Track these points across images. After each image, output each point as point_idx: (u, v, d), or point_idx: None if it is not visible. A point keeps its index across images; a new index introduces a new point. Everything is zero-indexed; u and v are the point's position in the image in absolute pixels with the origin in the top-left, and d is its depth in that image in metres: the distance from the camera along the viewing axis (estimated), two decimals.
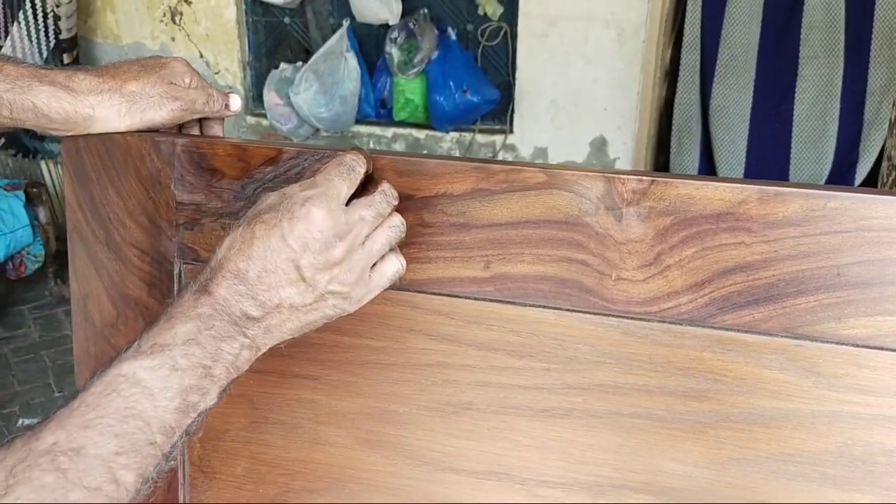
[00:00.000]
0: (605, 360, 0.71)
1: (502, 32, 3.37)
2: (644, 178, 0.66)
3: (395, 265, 0.69)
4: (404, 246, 0.72)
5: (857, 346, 0.65)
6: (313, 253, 0.63)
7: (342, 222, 0.64)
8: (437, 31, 3.38)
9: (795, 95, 2.96)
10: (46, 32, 3.47)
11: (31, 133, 0.79)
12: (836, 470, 0.67)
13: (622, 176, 0.67)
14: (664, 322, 0.68)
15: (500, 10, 3.33)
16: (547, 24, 3.23)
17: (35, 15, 3.43)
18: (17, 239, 3.27)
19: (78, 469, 0.53)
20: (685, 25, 3.06)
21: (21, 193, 3.34)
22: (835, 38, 2.95)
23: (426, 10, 3.39)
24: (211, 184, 0.76)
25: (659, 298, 0.68)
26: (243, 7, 3.63)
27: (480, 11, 3.36)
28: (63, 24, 3.49)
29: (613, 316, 0.70)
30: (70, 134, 0.77)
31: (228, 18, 3.63)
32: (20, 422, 2.86)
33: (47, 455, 0.52)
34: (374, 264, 0.68)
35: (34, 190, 3.44)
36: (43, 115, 0.73)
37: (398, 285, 0.72)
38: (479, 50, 3.39)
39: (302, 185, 0.66)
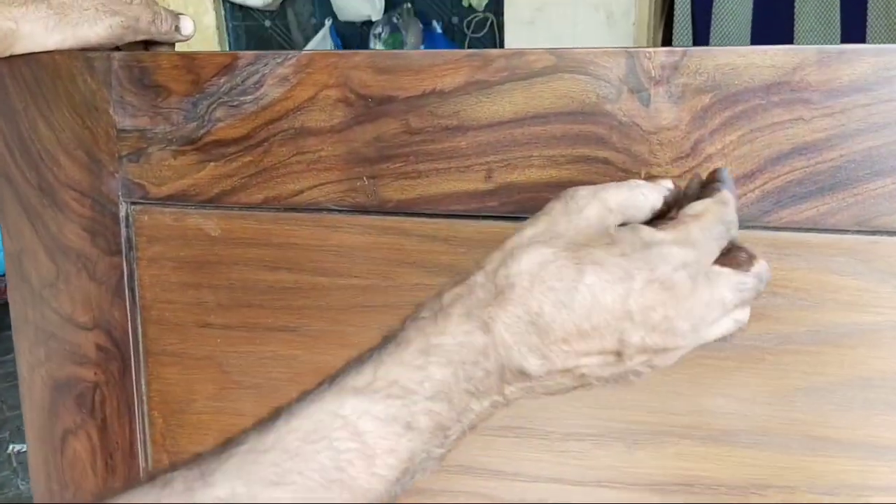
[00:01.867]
0: None
1: (489, 23, 3.28)
2: (675, 49, 0.55)
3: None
4: (389, 159, 0.60)
5: None
6: (654, 332, 0.44)
7: (702, 302, 0.44)
8: (421, 25, 3.29)
9: None
10: None
11: None
12: None
13: (648, 50, 0.55)
14: None
15: (484, 0, 3.24)
16: (534, 10, 3.13)
17: None
18: None
19: None
20: (675, 3, 2.97)
21: None
22: (831, 10, 2.86)
23: (410, 4, 3.30)
24: (156, 104, 0.64)
25: None
26: (222, 12, 3.53)
27: (465, 3, 3.27)
28: None
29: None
30: None
31: (208, 24, 3.53)
32: (11, 447, 2.77)
33: None
34: None
35: None
36: None
37: (383, 210, 0.60)
38: (466, 42, 3.29)
39: (669, 231, 0.46)
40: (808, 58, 0.53)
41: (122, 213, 0.67)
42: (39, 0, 0.64)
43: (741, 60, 0.54)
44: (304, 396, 0.43)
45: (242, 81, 0.62)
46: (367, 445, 0.41)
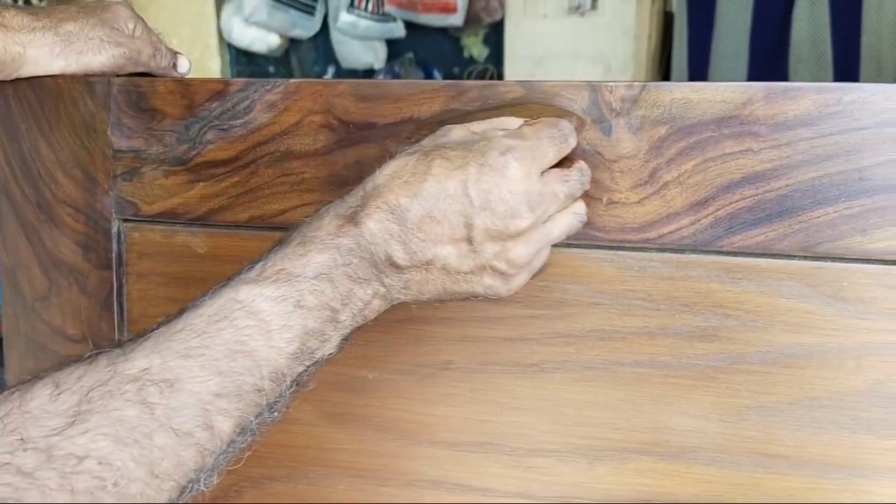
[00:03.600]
0: (599, 301, 0.62)
1: (489, 74, 3.34)
2: (635, 83, 0.59)
3: (547, 253, 0.57)
4: None
5: (887, 262, 0.56)
6: (494, 215, 0.51)
7: (536, 191, 0.53)
8: (422, 75, 3.36)
9: None
10: None
11: None
12: (870, 413, 0.58)
13: (609, 83, 0.59)
14: (664, 250, 0.60)
15: (485, 51, 3.31)
16: (533, 63, 3.20)
17: None
18: None
19: (169, 406, 0.43)
20: (672, 61, 3.04)
21: None
22: (823, 70, 2.92)
23: (411, 55, 3.37)
24: (151, 126, 0.68)
25: (657, 222, 0.59)
26: (227, 58, 3.60)
27: (466, 54, 3.34)
28: None
29: (606, 248, 0.61)
30: None
31: (213, 70, 3.60)
32: None
33: (135, 383, 0.43)
34: None
35: None
36: None
37: None
38: None
39: (506, 130, 0.55)
40: (757, 94, 0.56)
41: (114, 230, 0.70)
42: (47, 28, 0.69)
43: (695, 95, 0.58)
44: (204, 294, 0.49)
45: (233, 106, 0.66)
46: (263, 322, 0.47)
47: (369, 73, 3.37)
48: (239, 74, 3.64)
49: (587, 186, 0.58)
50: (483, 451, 0.66)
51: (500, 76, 3.28)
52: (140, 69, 0.74)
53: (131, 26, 0.73)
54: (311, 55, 3.55)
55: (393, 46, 3.33)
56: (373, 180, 0.53)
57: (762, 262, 0.58)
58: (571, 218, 0.57)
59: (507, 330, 0.64)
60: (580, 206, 0.57)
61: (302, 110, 0.65)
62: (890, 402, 0.57)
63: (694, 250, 0.59)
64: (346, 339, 0.52)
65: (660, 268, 0.60)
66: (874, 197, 0.55)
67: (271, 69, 3.61)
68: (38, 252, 0.72)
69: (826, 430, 0.59)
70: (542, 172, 0.54)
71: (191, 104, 0.67)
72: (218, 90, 0.66)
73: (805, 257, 0.57)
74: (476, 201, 0.51)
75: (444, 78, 3.37)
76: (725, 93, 0.57)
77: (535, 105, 0.60)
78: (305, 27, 3.17)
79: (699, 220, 0.59)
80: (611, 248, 0.61)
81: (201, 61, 3.64)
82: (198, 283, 0.70)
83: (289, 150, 0.66)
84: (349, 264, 0.51)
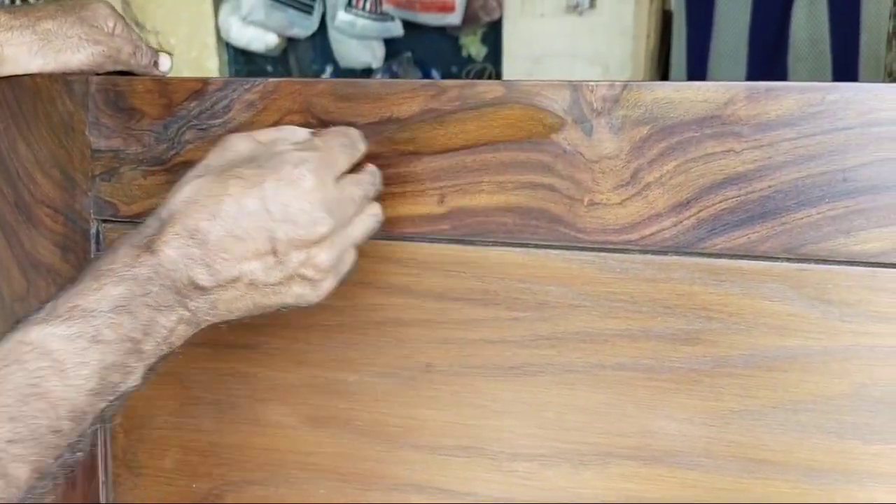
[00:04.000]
0: (581, 303, 0.61)
1: (487, 73, 3.33)
2: (616, 83, 0.58)
3: (353, 256, 0.59)
4: None
5: (871, 264, 0.55)
6: (296, 225, 0.53)
7: (334, 197, 0.54)
8: (420, 74, 3.35)
9: None
10: None
11: None
12: (855, 417, 0.57)
13: (590, 83, 0.58)
14: (646, 252, 0.59)
15: (483, 51, 3.30)
16: (531, 62, 3.19)
17: None
18: None
19: None
20: (671, 60, 3.03)
21: None
22: (822, 69, 2.91)
23: (409, 54, 3.36)
24: (130, 126, 0.67)
25: (639, 224, 0.59)
26: (225, 57, 3.60)
27: (464, 53, 3.33)
28: None
29: (588, 249, 0.60)
30: None
31: (210, 69, 3.59)
32: None
33: None
34: None
35: None
36: None
37: None
38: None
39: (297, 143, 0.56)
40: (739, 93, 0.56)
41: (93, 230, 0.70)
42: (24, 26, 0.68)
43: (676, 95, 0.57)
44: None
45: (212, 106, 0.65)
46: (57, 361, 0.46)
47: (367, 72, 3.36)
48: (237, 74, 3.63)
49: (380, 188, 0.59)
50: (466, 456, 0.65)
51: (498, 75, 3.27)
52: (120, 67, 0.73)
53: (111, 24, 0.73)
54: (309, 54, 3.54)
55: (391, 46, 3.32)
56: (167, 207, 0.53)
57: (745, 263, 0.57)
58: (369, 219, 0.58)
59: (489, 332, 0.63)
60: (375, 208, 0.59)
61: (281, 110, 0.64)
62: (875, 406, 0.56)
63: (676, 252, 0.58)
64: (151, 369, 0.52)
65: (642, 269, 0.59)
66: (858, 198, 0.54)
67: (269, 68, 3.60)
68: (16, 253, 0.72)
69: (811, 434, 0.58)
70: (337, 179, 0.55)
71: (169, 103, 0.66)
72: (196, 89, 0.66)
73: (789, 259, 0.56)
74: (277, 215, 0.52)
75: (443, 77, 3.36)
76: (707, 92, 0.56)
77: (515, 105, 0.59)
78: (303, 26, 3.16)
79: (681, 222, 0.58)
80: (593, 249, 0.60)
81: (199, 61, 3.63)
82: None
83: None
84: (148, 293, 0.50)
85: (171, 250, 0.51)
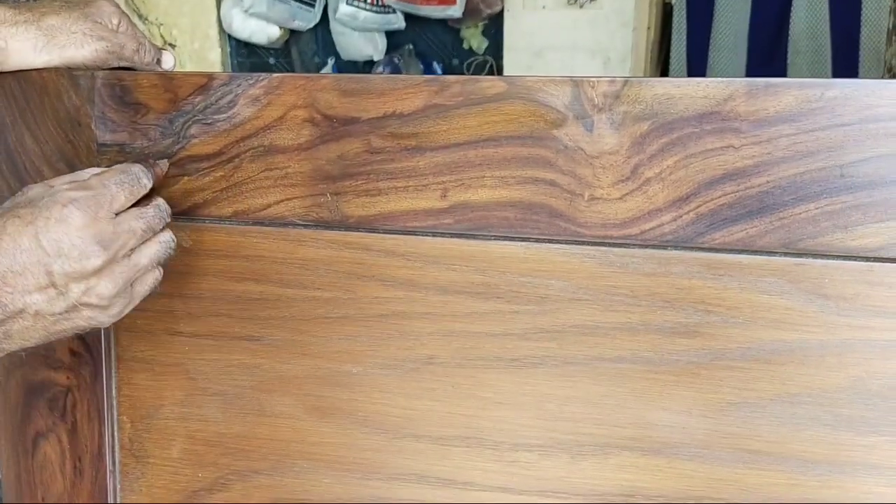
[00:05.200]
0: (581, 297, 0.62)
1: (488, 66, 3.33)
2: (616, 79, 0.58)
3: (155, 275, 0.64)
4: (351, 177, 0.64)
5: (868, 259, 0.56)
6: (68, 260, 0.57)
7: (108, 231, 0.59)
8: (422, 66, 3.35)
9: None
10: None
11: None
12: (851, 409, 0.58)
13: (591, 78, 0.59)
14: (646, 247, 0.60)
15: (485, 43, 3.31)
16: (532, 55, 3.20)
17: None
18: None
19: None
20: (671, 54, 3.03)
21: None
22: (822, 63, 2.91)
23: (411, 46, 3.36)
24: (135, 120, 0.68)
25: (639, 219, 0.59)
26: (227, 49, 3.60)
27: (466, 46, 3.33)
28: None
29: (588, 244, 0.61)
30: None
31: (213, 61, 3.60)
32: None
33: None
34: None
35: None
36: None
37: (345, 225, 0.64)
38: None
39: (72, 183, 0.60)
40: (738, 90, 0.56)
41: None
42: (29, 22, 0.69)
43: (676, 91, 0.57)
44: None
45: (217, 101, 0.66)
46: None
47: (369, 64, 3.37)
48: (239, 66, 3.63)
49: (168, 219, 0.64)
50: (466, 446, 0.66)
51: (499, 68, 3.27)
52: (124, 64, 0.74)
53: (115, 21, 0.73)
54: (311, 47, 3.54)
55: (392, 38, 3.33)
56: None
57: (744, 258, 0.58)
58: (157, 246, 0.63)
59: (490, 325, 0.64)
60: (166, 235, 0.64)
61: (285, 105, 0.65)
62: (870, 399, 0.57)
63: (676, 246, 0.59)
64: None
65: (642, 264, 0.60)
66: (856, 193, 0.55)
67: (271, 60, 3.60)
68: None
69: (807, 426, 0.59)
70: (117, 214, 0.60)
71: (174, 98, 0.67)
72: (201, 84, 0.66)
73: (786, 254, 0.57)
74: (49, 250, 0.56)
75: (444, 70, 3.36)
76: (707, 88, 0.57)
77: (517, 100, 0.60)
78: (305, 18, 3.16)
79: (681, 217, 0.58)
80: (593, 244, 0.61)
81: (201, 52, 3.64)
82: (182, 277, 0.70)
83: (272, 145, 0.66)
84: None
85: None
